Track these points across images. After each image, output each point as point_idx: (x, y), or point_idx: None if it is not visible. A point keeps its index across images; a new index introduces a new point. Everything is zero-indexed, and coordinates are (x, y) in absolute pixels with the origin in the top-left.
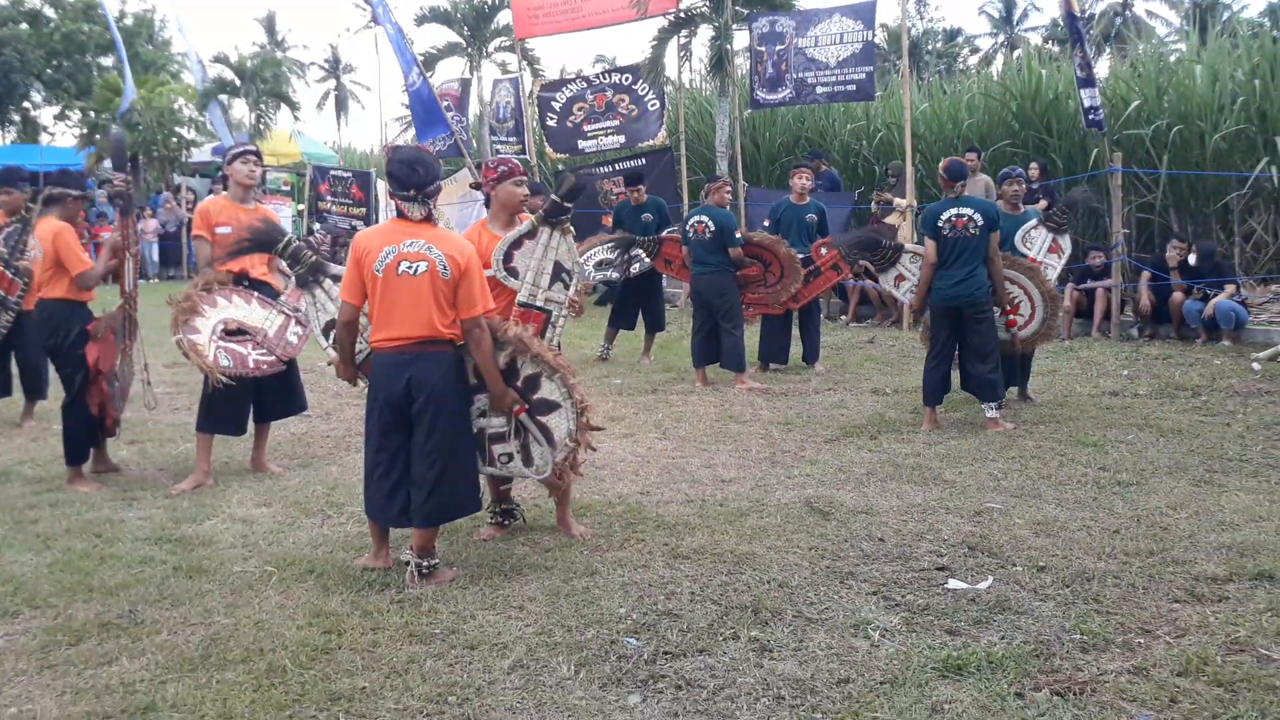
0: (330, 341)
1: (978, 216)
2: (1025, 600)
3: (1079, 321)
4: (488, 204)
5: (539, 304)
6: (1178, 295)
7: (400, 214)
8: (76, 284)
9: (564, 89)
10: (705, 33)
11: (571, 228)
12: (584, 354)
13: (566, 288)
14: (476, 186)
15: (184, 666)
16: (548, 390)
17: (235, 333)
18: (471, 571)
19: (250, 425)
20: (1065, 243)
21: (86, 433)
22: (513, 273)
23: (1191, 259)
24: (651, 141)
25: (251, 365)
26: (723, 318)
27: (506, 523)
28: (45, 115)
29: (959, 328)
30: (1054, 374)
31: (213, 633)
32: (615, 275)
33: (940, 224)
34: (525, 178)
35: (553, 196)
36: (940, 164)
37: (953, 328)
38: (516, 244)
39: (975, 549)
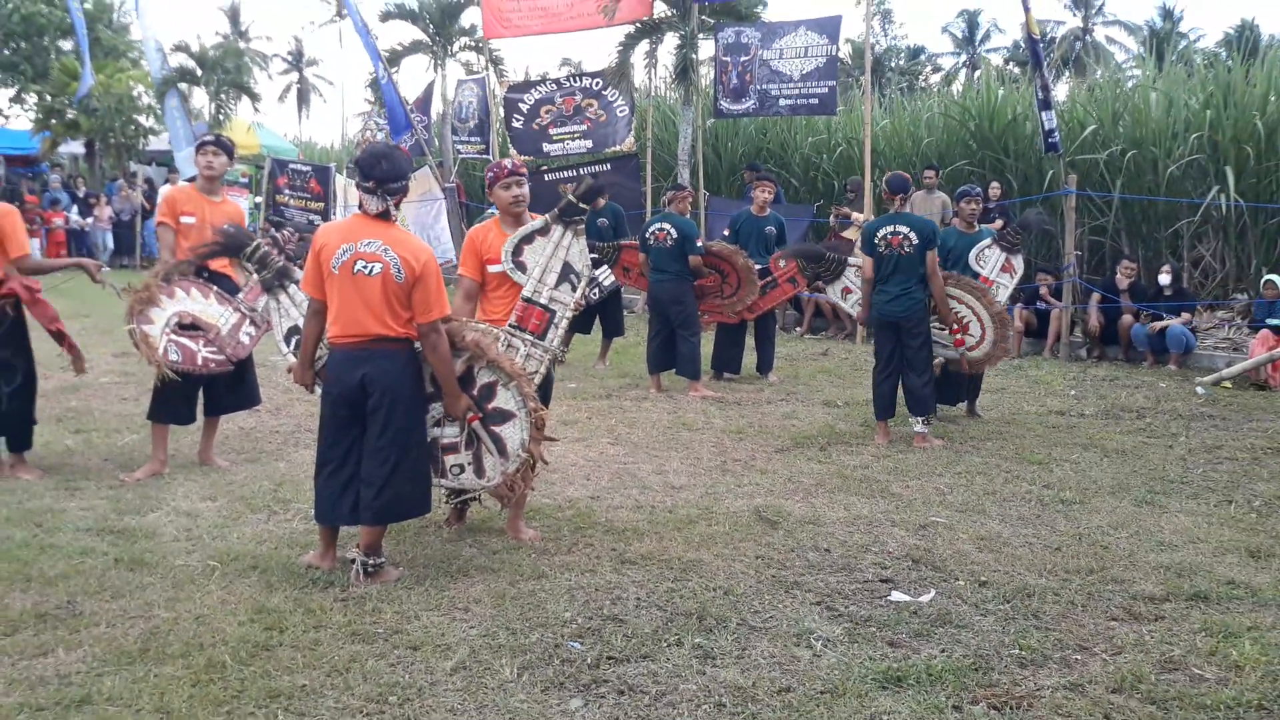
0: (291, 347)
1: (913, 235)
2: (966, 614)
3: (1029, 341)
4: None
5: (543, 301)
6: (1126, 318)
7: (361, 207)
8: (14, 266)
9: (532, 91)
10: (671, 40)
11: (584, 229)
12: None
13: (574, 289)
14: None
15: (122, 660)
16: (503, 399)
17: (189, 327)
18: (417, 572)
19: (200, 417)
20: (1018, 262)
21: (28, 418)
22: (520, 267)
23: (1165, 278)
24: (619, 147)
25: (200, 362)
26: (680, 325)
27: (466, 507)
28: (1, 98)
29: (899, 341)
30: (1002, 392)
31: (152, 626)
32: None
33: (876, 241)
34: (518, 177)
35: (569, 197)
36: (884, 177)
37: (895, 341)
38: (528, 239)
39: (919, 562)
